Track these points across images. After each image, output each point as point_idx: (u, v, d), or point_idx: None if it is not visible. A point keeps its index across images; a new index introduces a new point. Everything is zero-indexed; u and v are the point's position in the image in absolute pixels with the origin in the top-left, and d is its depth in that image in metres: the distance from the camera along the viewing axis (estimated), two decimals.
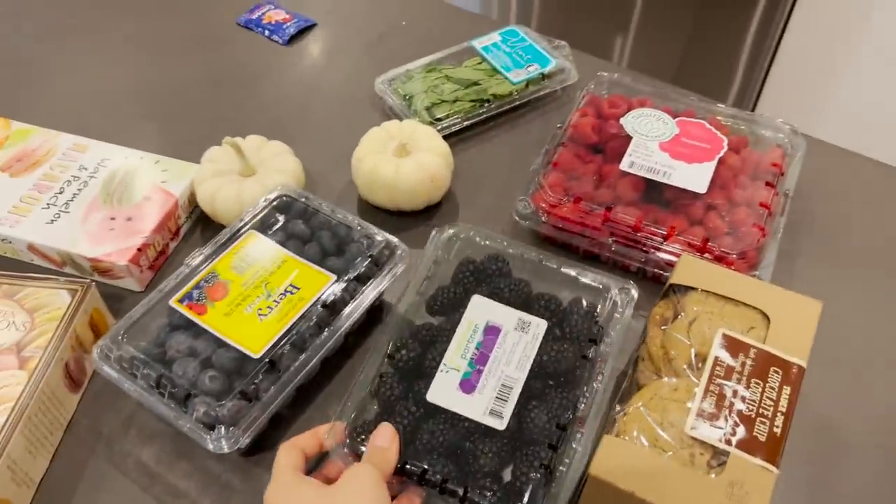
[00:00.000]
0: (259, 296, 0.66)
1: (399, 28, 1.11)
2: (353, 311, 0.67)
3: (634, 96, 0.87)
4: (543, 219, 0.76)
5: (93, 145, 0.86)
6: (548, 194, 0.76)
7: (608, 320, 0.64)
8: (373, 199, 0.83)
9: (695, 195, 0.75)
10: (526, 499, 0.55)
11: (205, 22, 1.13)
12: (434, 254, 0.69)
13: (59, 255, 0.76)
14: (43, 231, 0.77)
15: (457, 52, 1.00)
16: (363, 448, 0.57)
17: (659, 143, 0.79)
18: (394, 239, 0.71)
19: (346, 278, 0.68)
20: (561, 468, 0.56)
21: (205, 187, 0.79)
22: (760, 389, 0.57)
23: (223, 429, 0.58)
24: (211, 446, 0.58)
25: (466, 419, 0.58)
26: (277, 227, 0.72)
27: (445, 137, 0.86)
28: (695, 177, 0.76)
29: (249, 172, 0.79)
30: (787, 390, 0.57)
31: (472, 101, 0.93)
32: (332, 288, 0.67)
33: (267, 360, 0.62)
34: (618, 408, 0.59)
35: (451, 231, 0.70)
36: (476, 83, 0.94)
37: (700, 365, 0.59)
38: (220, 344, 0.63)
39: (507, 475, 0.57)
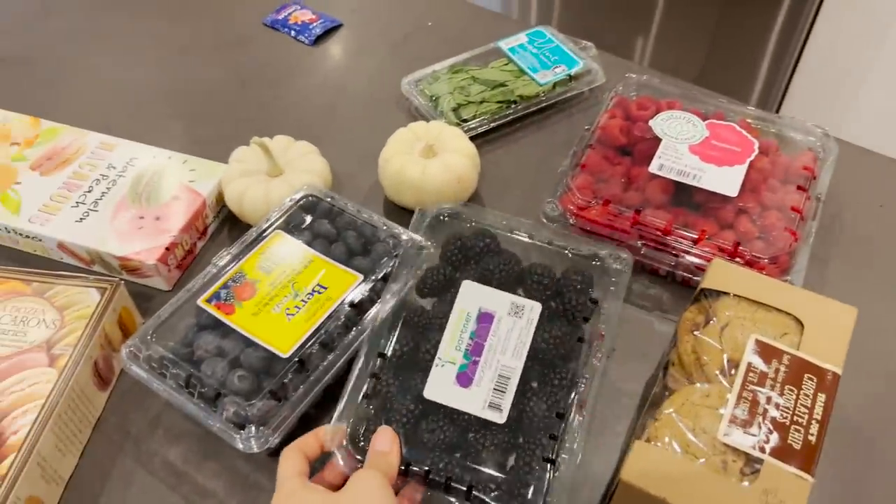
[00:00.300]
0: (286, 295, 0.66)
1: (424, 28, 1.11)
2: (380, 310, 0.66)
3: (663, 98, 0.86)
4: (571, 221, 0.75)
5: (121, 144, 0.87)
6: (576, 196, 0.75)
7: (604, 291, 0.63)
8: (399, 199, 0.82)
9: (725, 198, 0.74)
10: (531, 492, 0.54)
11: (231, 22, 1.13)
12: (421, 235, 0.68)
13: (88, 253, 0.77)
14: (72, 229, 0.77)
15: (483, 52, 1.00)
16: (365, 448, 0.56)
17: (689, 146, 0.78)
18: (419, 238, 0.71)
19: (372, 278, 0.68)
20: (563, 455, 0.56)
21: (233, 187, 0.79)
22: (795, 396, 0.56)
23: (253, 428, 0.58)
24: (241, 446, 0.58)
25: (465, 414, 0.57)
26: (304, 226, 0.72)
27: (472, 139, 0.85)
28: (725, 180, 0.75)
29: (277, 172, 0.79)
30: (821, 398, 0.56)
31: (498, 102, 0.92)
32: (359, 287, 0.67)
33: (296, 359, 0.62)
34: (648, 413, 0.59)
35: (435, 211, 0.69)
36: (503, 84, 0.94)
37: (732, 371, 0.58)
38: (248, 343, 0.63)
39: (510, 472, 0.56)
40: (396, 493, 0.54)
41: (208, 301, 0.66)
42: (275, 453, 0.64)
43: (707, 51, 1.82)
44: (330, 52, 1.08)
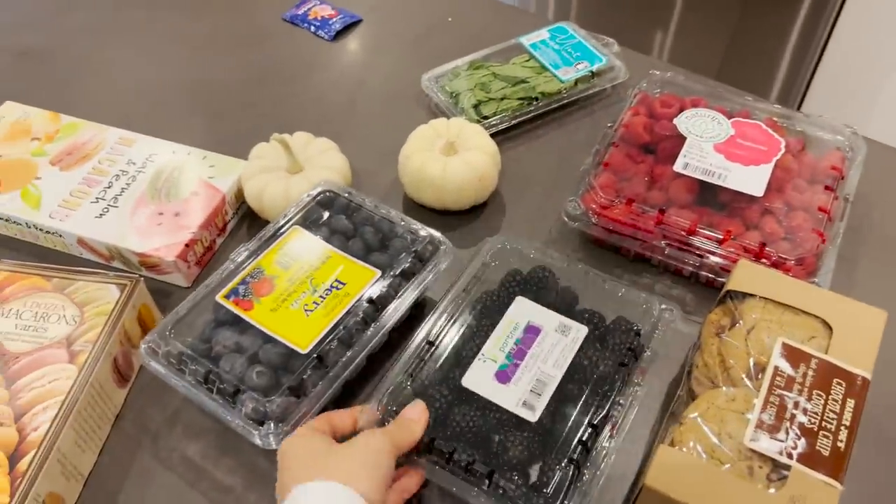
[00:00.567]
0: (305, 291, 0.65)
1: (444, 24, 1.10)
2: (399, 306, 0.66)
3: (687, 95, 0.85)
4: (594, 220, 0.74)
5: (140, 140, 0.86)
6: (598, 195, 0.74)
7: (649, 338, 0.64)
8: (419, 197, 0.82)
9: (751, 198, 0.73)
10: (552, 489, 0.54)
11: (251, 17, 1.13)
12: (483, 257, 0.69)
13: (107, 249, 0.77)
14: (92, 225, 0.77)
15: (504, 48, 0.99)
16: None
17: (714, 145, 0.77)
18: (437, 234, 0.71)
19: (390, 274, 0.67)
20: (589, 465, 0.56)
21: (252, 183, 0.78)
22: (823, 402, 0.55)
23: (272, 424, 0.58)
24: (259, 442, 0.58)
25: (499, 408, 0.58)
26: (321, 222, 0.72)
27: (492, 136, 0.84)
28: (751, 179, 0.74)
29: (297, 169, 0.79)
30: (850, 403, 0.55)
31: (519, 99, 0.91)
32: (377, 283, 0.66)
33: (315, 355, 0.62)
34: (672, 417, 0.58)
35: (501, 239, 0.71)
36: (524, 81, 0.93)
37: (759, 375, 0.57)
38: (267, 339, 0.63)
39: (534, 469, 0.56)
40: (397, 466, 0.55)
41: (226, 297, 0.65)
42: None
43: (726, 46, 1.80)
44: (349, 47, 1.08)
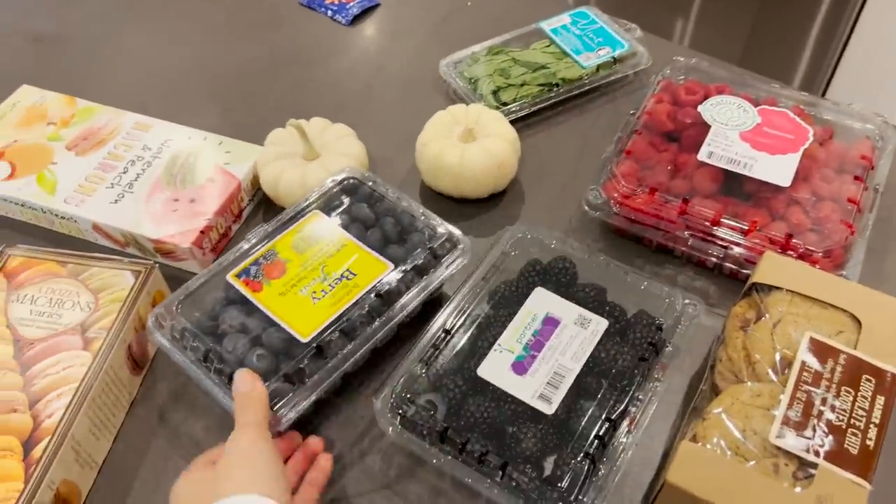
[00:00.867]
0: (315, 278, 0.64)
1: (464, 8, 1.09)
2: (408, 302, 0.65)
3: (711, 82, 0.83)
4: (615, 210, 0.73)
5: (156, 125, 0.86)
6: (620, 184, 0.73)
7: (671, 333, 0.62)
8: (436, 185, 0.80)
9: (777, 188, 0.71)
10: (566, 484, 0.53)
11: (267, 2, 1.12)
12: (503, 246, 0.68)
13: (122, 235, 0.76)
14: (107, 211, 0.77)
15: (524, 34, 0.97)
16: (408, 412, 0.57)
17: (739, 133, 0.75)
18: (457, 231, 0.69)
19: (403, 268, 0.66)
20: (605, 459, 0.55)
21: (268, 170, 0.77)
22: (852, 398, 0.53)
23: None
24: None
25: (514, 399, 0.57)
26: (342, 209, 0.71)
27: (511, 122, 0.83)
28: (778, 169, 0.72)
29: (313, 156, 0.78)
30: (880, 400, 0.53)
31: (540, 85, 0.90)
32: (388, 277, 0.65)
33: (314, 345, 0.60)
34: (694, 412, 0.57)
35: (522, 228, 0.70)
36: (544, 67, 0.91)
37: (785, 370, 0.56)
38: (271, 323, 0.62)
39: (549, 463, 0.55)
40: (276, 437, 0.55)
41: (237, 276, 0.64)
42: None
43: (748, 34, 1.76)
44: (367, 32, 1.06)
